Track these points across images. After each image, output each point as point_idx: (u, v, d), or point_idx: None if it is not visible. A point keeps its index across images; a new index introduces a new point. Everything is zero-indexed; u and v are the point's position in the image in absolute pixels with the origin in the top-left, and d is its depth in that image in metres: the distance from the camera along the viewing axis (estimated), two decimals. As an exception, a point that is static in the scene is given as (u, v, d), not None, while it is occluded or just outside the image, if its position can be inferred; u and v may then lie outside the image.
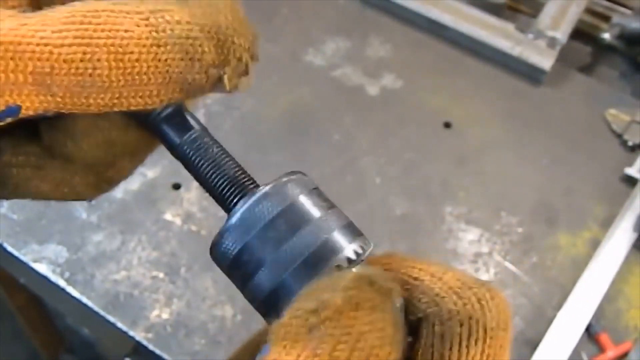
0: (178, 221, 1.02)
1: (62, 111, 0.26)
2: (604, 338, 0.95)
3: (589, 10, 1.34)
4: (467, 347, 0.25)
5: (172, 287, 0.97)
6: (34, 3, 0.29)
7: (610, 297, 0.99)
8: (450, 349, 0.25)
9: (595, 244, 1.05)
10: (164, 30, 0.26)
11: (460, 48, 1.29)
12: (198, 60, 0.27)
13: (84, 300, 0.96)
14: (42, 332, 1.59)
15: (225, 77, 0.28)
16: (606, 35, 1.27)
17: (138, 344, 0.93)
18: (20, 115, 0.25)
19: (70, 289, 0.97)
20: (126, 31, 0.26)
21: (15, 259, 1.00)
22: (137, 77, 0.26)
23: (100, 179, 0.34)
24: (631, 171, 1.12)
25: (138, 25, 0.26)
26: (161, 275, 0.98)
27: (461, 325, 0.25)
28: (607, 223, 1.07)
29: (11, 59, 0.24)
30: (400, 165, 1.12)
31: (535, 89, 1.25)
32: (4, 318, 1.58)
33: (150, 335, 0.93)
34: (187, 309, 0.95)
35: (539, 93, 1.24)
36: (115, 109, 0.27)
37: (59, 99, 0.26)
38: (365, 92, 1.22)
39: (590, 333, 0.96)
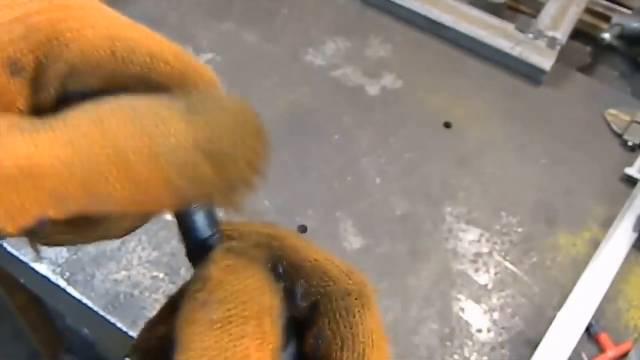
0: (178, 221, 1.02)
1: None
2: (604, 338, 0.95)
3: (589, 10, 1.35)
4: (364, 315, 0.32)
5: (173, 287, 0.97)
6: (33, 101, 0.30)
7: (610, 297, 1.00)
8: (354, 316, 0.32)
9: (595, 244, 1.05)
10: (167, 153, 0.27)
11: (460, 48, 1.29)
12: (199, 184, 0.27)
13: (84, 300, 0.96)
14: (42, 332, 1.59)
15: (228, 195, 0.29)
16: (606, 35, 1.27)
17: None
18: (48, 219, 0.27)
19: (70, 289, 0.97)
20: (126, 144, 0.26)
21: (15, 259, 1.00)
22: (142, 189, 0.27)
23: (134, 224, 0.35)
24: (631, 171, 1.12)
25: (134, 137, 0.26)
26: (161, 275, 0.98)
27: (356, 299, 0.32)
28: (607, 223, 1.07)
29: (28, 181, 0.25)
30: (400, 165, 1.12)
31: (535, 89, 1.25)
32: (4, 318, 1.58)
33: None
34: (187, 309, 0.95)
35: (539, 93, 1.24)
36: (132, 213, 0.29)
37: (76, 210, 0.27)
38: (365, 92, 1.22)
39: (590, 333, 0.96)
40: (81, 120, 0.27)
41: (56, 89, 0.29)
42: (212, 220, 0.34)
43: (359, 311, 0.32)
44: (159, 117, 0.27)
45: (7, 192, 0.25)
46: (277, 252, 0.34)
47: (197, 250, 0.33)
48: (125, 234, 0.34)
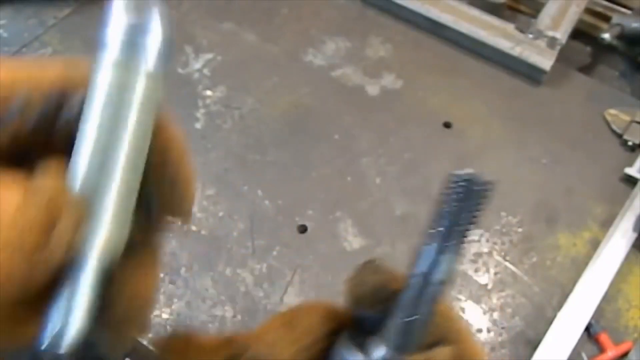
0: (178, 221, 1.02)
1: None
2: (604, 338, 0.95)
3: (589, 10, 1.35)
4: None
5: (172, 287, 0.97)
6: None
7: (610, 297, 0.99)
8: None
9: (595, 244, 1.05)
10: None
11: (460, 48, 1.29)
12: (29, 228, 0.28)
13: (84, 300, 0.96)
14: (42, 332, 1.59)
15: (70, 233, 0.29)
16: (606, 35, 1.27)
17: (138, 343, 0.93)
18: None
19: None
20: None
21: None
22: None
23: None
24: (631, 171, 1.12)
25: None
26: (161, 275, 0.98)
27: None
28: (607, 223, 1.07)
29: None
30: (400, 165, 1.12)
31: (535, 89, 1.25)
32: (4, 318, 1.58)
33: (150, 335, 0.93)
34: (187, 309, 0.95)
35: (538, 93, 1.24)
36: None
37: None
38: (365, 92, 1.22)
39: (590, 333, 0.96)
40: None
41: None
42: (451, 272, 0.37)
43: None
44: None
45: None
46: None
47: (423, 285, 0.37)
48: None
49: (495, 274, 1.02)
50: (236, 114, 1.16)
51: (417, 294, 0.37)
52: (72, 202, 0.30)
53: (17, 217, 0.28)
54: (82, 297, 0.30)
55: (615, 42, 1.28)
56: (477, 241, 1.05)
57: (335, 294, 0.96)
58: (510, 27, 1.28)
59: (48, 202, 0.29)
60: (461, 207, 0.37)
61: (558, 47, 1.25)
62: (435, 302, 0.37)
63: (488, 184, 0.37)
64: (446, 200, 0.37)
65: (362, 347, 0.38)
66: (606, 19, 1.33)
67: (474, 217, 0.37)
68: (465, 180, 0.36)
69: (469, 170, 0.37)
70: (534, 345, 0.94)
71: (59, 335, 0.30)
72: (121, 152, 0.30)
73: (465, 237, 0.37)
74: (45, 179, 0.29)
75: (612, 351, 0.94)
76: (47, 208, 0.29)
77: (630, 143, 1.17)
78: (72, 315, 0.30)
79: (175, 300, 0.96)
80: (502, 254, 1.04)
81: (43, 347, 0.29)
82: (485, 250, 1.04)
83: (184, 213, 0.35)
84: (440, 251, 0.37)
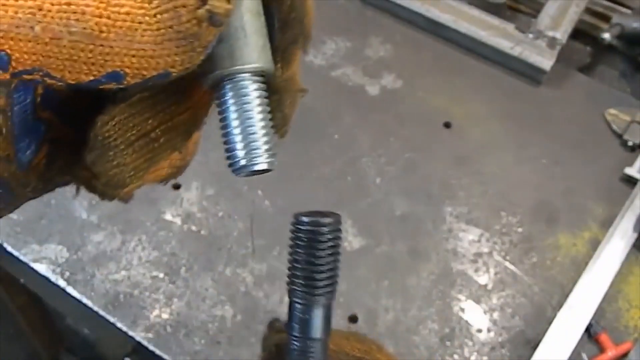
0: (178, 221, 1.02)
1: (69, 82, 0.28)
2: (604, 338, 0.95)
3: (589, 10, 1.34)
4: None
5: (172, 287, 0.97)
6: None
7: (610, 297, 0.99)
8: None
9: (595, 244, 1.05)
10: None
11: (460, 48, 1.29)
12: (182, 7, 0.27)
13: (84, 300, 0.96)
14: (42, 332, 1.59)
15: (214, 7, 0.28)
16: (606, 35, 1.27)
17: (138, 344, 0.94)
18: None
19: (70, 289, 0.97)
20: None
21: (15, 259, 1.00)
22: (129, 32, 0.27)
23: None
24: (631, 171, 1.12)
25: None
26: (161, 275, 0.98)
27: None
28: (607, 223, 1.07)
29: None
30: (400, 165, 1.12)
31: (535, 89, 1.25)
32: (4, 318, 1.58)
33: (150, 335, 0.93)
34: (187, 309, 0.95)
35: (538, 93, 1.24)
36: (126, 81, 0.28)
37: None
38: (365, 92, 1.22)
39: (590, 333, 0.96)
40: None
41: None
42: (328, 323, 0.34)
43: None
44: None
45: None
46: None
47: (301, 346, 0.34)
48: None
49: (495, 274, 1.02)
50: (236, 114, 1.16)
51: (301, 353, 0.35)
52: None
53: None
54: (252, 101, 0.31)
55: (615, 42, 1.28)
56: (477, 241, 1.05)
57: (336, 295, 0.96)
58: (510, 27, 1.28)
59: None
60: (311, 254, 0.34)
61: (558, 47, 1.25)
62: (323, 355, 0.36)
63: (334, 225, 0.34)
64: (293, 249, 0.35)
65: None
66: (606, 18, 1.33)
67: (330, 262, 0.35)
68: (308, 224, 0.34)
69: (312, 215, 0.34)
70: (533, 345, 0.94)
71: (250, 151, 0.30)
72: None
73: (330, 284, 0.35)
74: None
75: (612, 351, 0.94)
76: None
77: (630, 143, 1.17)
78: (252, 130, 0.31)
79: (176, 300, 0.96)
80: (502, 254, 1.04)
81: (240, 165, 0.30)
82: (485, 250, 1.04)
83: (305, 32, 0.35)
84: (308, 308, 0.35)
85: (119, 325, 0.94)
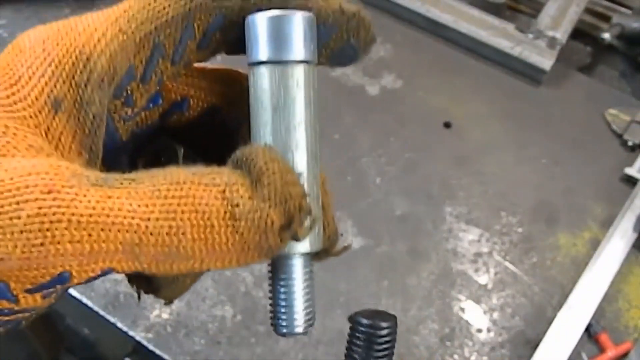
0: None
1: (146, 273, 0.29)
2: (604, 338, 0.95)
3: (589, 10, 1.35)
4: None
5: (172, 287, 0.97)
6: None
7: (610, 297, 0.99)
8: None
9: (595, 244, 1.05)
10: (237, 205, 0.28)
11: (460, 48, 1.29)
12: (270, 231, 0.29)
13: (84, 300, 0.96)
14: (42, 332, 1.59)
15: (297, 232, 0.30)
16: (606, 35, 1.27)
17: (138, 344, 0.93)
18: (113, 274, 0.29)
19: (70, 289, 0.97)
20: (207, 205, 0.28)
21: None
22: (217, 247, 0.28)
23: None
24: (631, 171, 1.12)
25: (217, 199, 0.28)
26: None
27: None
28: (607, 223, 1.07)
29: (102, 230, 0.26)
30: (400, 165, 1.12)
31: (535, 89, 1.25)
32: (4, 318, 1.58)
33: (150, 335, 0.93)
34: (187, 309, 0.95)
35: (539, 93, 1.24)
36: (196, 271, 0.30)
37: (145, 266, 0.28)
38: (365, 92, 1.22)
39: (590, 333, 0.96)
40: (159, 180, 0.28)
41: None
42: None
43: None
44: (235, 186, 0.29)
45: (79, 239, 0.26)
46: None
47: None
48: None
49: (495, 274, 1.02)
50: (236, 114, 1.16)
51: None
52: (305, 203, 0.30)
53: (254, 218, 0.28)
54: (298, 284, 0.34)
55: (615, 42, 1.28)
56: (477, 241, 1.05)
57: (336, 294, 0.96)
58: (510, 27, 1.28)
59: (284, 202, 0.29)
60: (367, 356, 0.36)
61: (558, 47, 1.25)
62: None
63: (391, 328, 0.36)
64: (350, 349, 0.36)
65: None
66: (606, 18, 1.33)
67: None
68: (366, 326, 0.36)
69: (370, 318, 0.36)
70: (533, 345, 0.94)
71: (291, 320, 0.34)
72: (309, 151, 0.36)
73: None
74: (272, 173, 0.29)
75: (612, 351, 0.94)
76: (285, 210, 0.29)
77: (630, 143, 1.17)
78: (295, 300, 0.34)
79: (175, 300, 0.96)
80: (502, 254, 1.04)
81: (281, 332, 0.34)
82: (485, 250, 1.04)
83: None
84: None
85: (119, 325, 0.94)
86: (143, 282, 0.37)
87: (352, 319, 0.37)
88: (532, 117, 1.21)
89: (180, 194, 0.28)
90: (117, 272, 0.28)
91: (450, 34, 1.29)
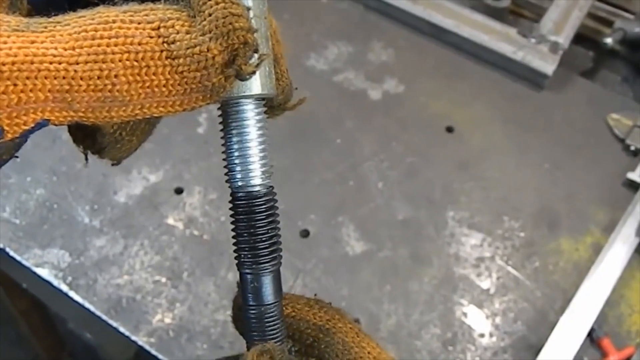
0: (180, 226, 1.02)
1: (86, 123, 0.27)
2: (606, 343, 0.95)
3: (592, 15, 1.35)
4: None
5: (175, 291, 0.97)
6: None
7: (612, 302, 0.99)
8: None
9: (597, 249, 1.05)
10: (174, 41, 0.26)
11: (463, 52, 1.29)
12: (212, 66, 0.27)
13: (87, 304, 0.96)
14: (45, 336, 1.59)
15: (241, 69, 0.28)
16: (608, 40, 1.27)
17: (140, 348, 0.94)
18: (51, 125, 0.26)
19: (72, 294, 0.97)
20: (140, 44, 0.26)
21: (17, 264, 1.00)
22: (156, 89, 0.27)
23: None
24: (634, 176, 1.12)
25: (150, 37, 0.26)
26: (163, 279, 0.98)
27: None
28: (609, 228, 1.07)
29: (27, 78, 0.24)
30: (403, 170, 1.12)
31: (537, 93, 1.25)
32: (6, 323, 1.58)
33: (152, 339, 0.93)
34: (190, 314, 0.95)
35: (541, 97, 1.24)
36: (139, 118, 0.28)
37: (81, 114, 0.26)
38: (367, 97, 1.22)
39: (592, 338, 0.95)
40: (86, 20, 0.26)
41: None
42: (278, 286, 0.36)
43: None
44: (170, 21, 0.27)
45: (3, 90, 0.24)
46: (323, 349, 0.35)
47: (257, 313, 0.35)
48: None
49: (498, 278, 1.02)
50: (238, 119, 1.16)
51: (258, 320, 0.36)
52: (251, 37, 0.28)
53: (193, 53, 0.27)
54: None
55: (617, 47, 1.28)
56: (480, 246, 1.05)
57: (338, 299, 0.96)
58: (512, 31, 1.28)
59: (227, 34, 0.27)
60: (251, 225, 0.35)
61: (560, 52, 1.25)
62: (279, 315, 0.37)
63: (269, 195, 0.36)
64: (234, 224, 0.36)
65: None
66: (609, 23, 1.33)
67: (270, 230, 0.36)
68: (243, 195, 0.35)
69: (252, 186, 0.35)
70: (536, 350, 0.94)
71: (246, 172, 0.33)
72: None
73: (274, 250, 0.36)
74: (215, 4, 0.27)
75: (614, 356, 0.94)
76: (228, 44, 0.27)
77: (632, 148, 1.17)
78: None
79: (178, 304, 0.96)
80: (505, 258, 1.04)
81: (237, 185, 0.33)
82: (488, 254, 1.04)
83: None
84: (257, 277, 0.36)
85: (121, 329, 0.94)
86: (89, 141, 0.34)
87: (231, 195, 0.36)
88: (534, 122, 1.21)
89: (110, 34, 0.26)
90: (54, 123, 0.26)
91: (452, 39, 1.29)
